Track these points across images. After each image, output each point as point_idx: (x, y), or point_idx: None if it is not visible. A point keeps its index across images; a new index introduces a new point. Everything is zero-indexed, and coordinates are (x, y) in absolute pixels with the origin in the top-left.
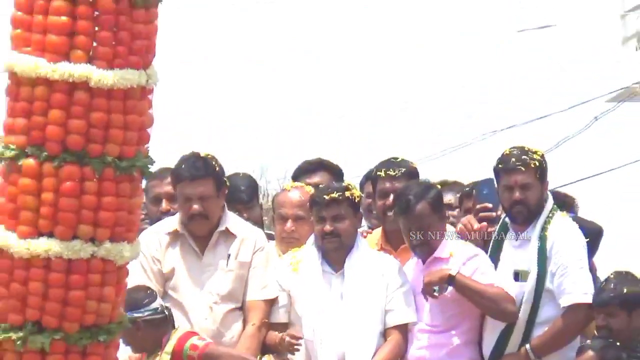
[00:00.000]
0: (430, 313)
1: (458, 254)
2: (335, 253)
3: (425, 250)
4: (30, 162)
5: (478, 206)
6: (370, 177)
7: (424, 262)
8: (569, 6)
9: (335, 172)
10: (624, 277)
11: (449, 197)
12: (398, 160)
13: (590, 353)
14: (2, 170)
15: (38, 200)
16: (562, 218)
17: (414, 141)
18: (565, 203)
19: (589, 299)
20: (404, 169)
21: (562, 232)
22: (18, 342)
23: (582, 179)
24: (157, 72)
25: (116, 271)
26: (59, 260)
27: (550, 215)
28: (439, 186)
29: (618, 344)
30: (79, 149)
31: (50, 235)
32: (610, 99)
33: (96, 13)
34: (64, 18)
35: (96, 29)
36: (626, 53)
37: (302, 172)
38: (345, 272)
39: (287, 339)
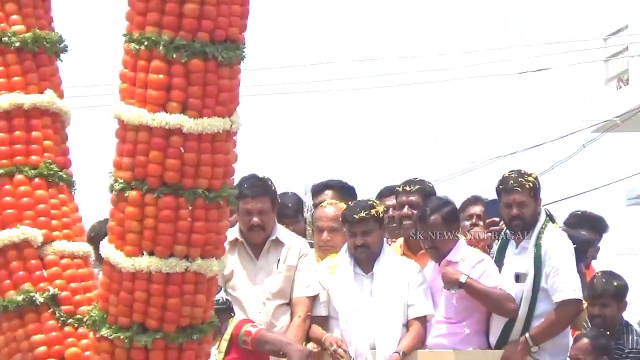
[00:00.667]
0: (445, 307)
1: (468, 259)
2: (365, 258)
3: (435, 254)
4: (134, 193)
5: (487, 220)
6: (393, 192)
7: (438, 263)
8: (562, 52)
9: (342, 189)
10: (610, 274)
11: (477, 209)
12: (416, 179)
13: (585, 340)
14: (112, 199)
15: (141, 225)
16: (553, 229)
17: (437, 163)
18: (596, 223)
19: (578, 295)
20: (419, 186)
21: (554, 240)
22: (126, 341)
23: (571, 196)
24: (240, 117)
25: (207, 282)
26: (158, 274)
27: (544, 226)
28: (454, 203)
29: (608, 333)
30: (175, 183)
31: (151, 253)
32: (595, 130)
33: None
34: (161, 76)
35: (188, 84)
36: (608, 91)
37: (313, 193)
38: (374, 274)
39: (336, 348)
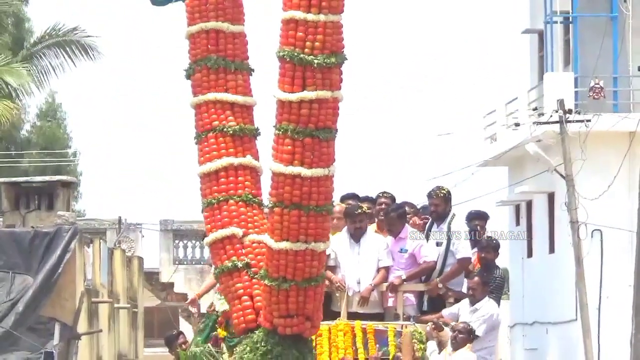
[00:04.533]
0: (397, 263)
1: (411, 236)
2: (356, 234)
3: (392, 232)
4: (277, 209)
5: (422, 216)
6: (368, 199)
7: (394, 238)
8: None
9: (359, 198)
10: (490, 238)
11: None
12: (387, 192)
13: (476, 278)
14: (269, 212)
15: (282, 225)
16: (458, 218)
17: None
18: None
19: (469, 255)
20: (389, 195)
21: (458, 225)
22: (276, 286)
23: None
24: (334, 167)
25: (318, 254)
26: (291, 251)
27: (452, 217)
28: (404, 206)
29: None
30: (299, 202)
31: (287, 240)
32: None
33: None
34: (289, 147)
35: (304, 151)
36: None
37: (342, 199)
38: (360, 243)
39: (339, 283)
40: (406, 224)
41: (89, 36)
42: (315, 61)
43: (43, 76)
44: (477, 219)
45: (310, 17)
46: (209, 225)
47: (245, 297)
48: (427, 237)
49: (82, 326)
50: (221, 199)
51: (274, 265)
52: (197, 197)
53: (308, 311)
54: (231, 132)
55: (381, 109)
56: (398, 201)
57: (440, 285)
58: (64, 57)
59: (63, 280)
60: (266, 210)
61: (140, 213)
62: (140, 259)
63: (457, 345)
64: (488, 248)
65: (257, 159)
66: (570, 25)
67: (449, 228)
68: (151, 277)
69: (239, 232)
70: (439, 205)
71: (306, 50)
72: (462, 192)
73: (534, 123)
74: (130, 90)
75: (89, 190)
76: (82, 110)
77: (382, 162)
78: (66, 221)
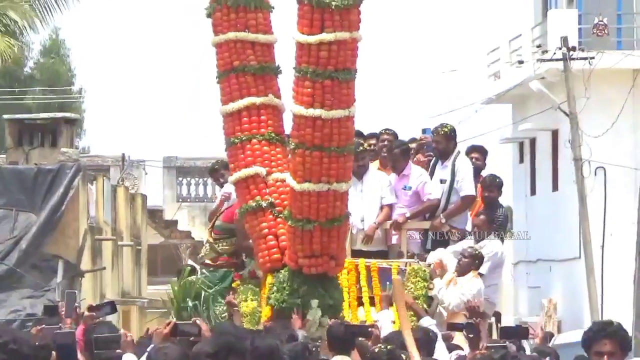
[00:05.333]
0: (401, 200)
1: (414, 172)
2: (359, 172)
3: (396, 169)
4: (299, 150)
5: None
6: (374, 135)
7: (398, 175)
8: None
9: (362, 135)
10: (493, 175)
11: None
12: (390, 129)
13: (482, 216)
14: (290, 152)
15: (304, 167)
16: (462, 156)
17: None
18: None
19: (473, 192)
20: (392, 131)
21: (461, 162)
22: (300, 226)
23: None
24: (355, 108)
25: (340, 195)
26: (314, 192)
27: (456, 155)
28: (410, 144)
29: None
30: (320, 144)
31: (309, 181)
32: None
33: None
34: (309, 89)
35: (324, 93)
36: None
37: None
38: (363, 181)
39: None
40: (409, 161)
41: None
42: (334, 3)
43: (46, 12)
44: (475, 152)
45: None
46: (232, 165)
47: (270, 237)
48: (432, 175)
49: (85, 263)
50: (244, 138)
51: (297, 207)
52: (200, 133)
53: (332, 250)
54: (252, 71)
55: (385, 46)
56: (402, 138)
57: (443, 221)
58: None
59: (66, 217)
60: (289, 148)
61: (143, 150)
62: (144, 197)
63: (461, 270)
64: (491, 187)
65: (278, 97)
66: None
67: (453, 165)
68: (155, 215)
69: (262, 171)
70: (440, 143)
71: None
72: (466, 129)
73: (537, 60)
74: (133, 26)
75: (92, 127)
76: (85, 46)
77: (385, 100)
78: (69, 158)
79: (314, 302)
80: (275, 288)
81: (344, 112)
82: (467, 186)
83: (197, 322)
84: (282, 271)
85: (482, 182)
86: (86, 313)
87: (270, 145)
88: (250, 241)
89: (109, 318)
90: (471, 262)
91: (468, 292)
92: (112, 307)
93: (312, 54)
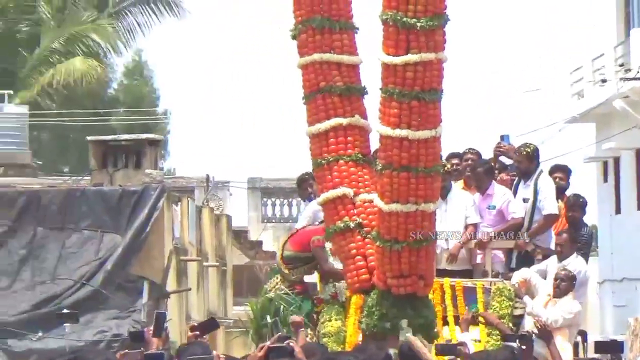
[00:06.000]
0: (486, 220)
1: (498, 192)
2: (442, 192)
3: (479, 188)
4: (386, 171)
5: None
6: (457, 155)
7: (482, 195)
8: None
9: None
10: (577, 195)
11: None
12: (474, 149)
13: (565, 235)
14: (378, 175)
15: (391, 187)
16: (544, 176)
17: None
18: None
19: (555, 211)
20: (475, 151)
21: (544, 182)
22: (388, 246)
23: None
24: (441, 128)
25: (429, 215)
26: (402, 213)
27: (539, 173)
28: (491, 162)
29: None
30: (407, 165)
31: (397, 202)
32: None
33: None
34: (396, 110)
35: (411, 114)
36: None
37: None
38: (447, 200)
39: None
40: (493, 181)
41: None
42: (419, 24)
43: (129, 34)
44: (558, 171)
45: None
46: (320, 186)
47: (359, 257)
48: (515, 194)
49: (171, 284)
50: (331, 159)
51: (385, 227)
52: (285, 155)
53: (421, 270)
54: (338, 91)
55: (467, 66)
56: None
57: (527, 240)
58: (150, 14)
59: (151, 238)
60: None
61: (228, 171)
62: (229, 217)
63: (560, 293)
64: (574, 206)
65: (365, 117)
66: None
67: (535, 185)
68: (239, 236)
69: (350, 192)
70: (522, 163)
71: (409, 13)
72: (550, 148)
73: (620, 79)
74: (216, 47)
75: (177, 149)
76: (169, 68)
77: (469, 119)
78: (154, 179)
79: (404, 322)
80: (365, 312)
81: (431, 132)
82: (549, 205)
83: (291, 344)
84: (372, 294)
85: (566, 201)
86: (189, 333)
87: (357, 166)
88: (331, 265)
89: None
90: (569, 285)
91: (570, 309)
92: (214, 323)
93: (398, 75)
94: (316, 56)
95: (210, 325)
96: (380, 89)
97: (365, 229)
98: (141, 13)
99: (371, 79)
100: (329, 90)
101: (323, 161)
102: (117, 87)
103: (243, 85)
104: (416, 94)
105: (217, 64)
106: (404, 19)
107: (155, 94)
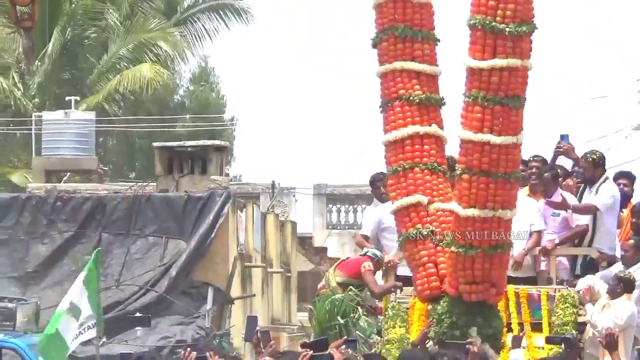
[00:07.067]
0: (551, 226)
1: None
2: None
3: (545, 194)
4: (465, 176)
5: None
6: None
7: (546, 202)
8: None
9: None
10: None
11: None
12: (538, 155)
13: (631, 241)
14: (457, 180)
15: (469, 192)
16: (609, 182)
17: None
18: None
19: (596, 204)
20: (541, 158)
21: (606, 186)
22: (462, 252)
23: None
24: (522, 135)
25: (505, 222)
26: (479, 218)
27: (603, 180)
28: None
29: None
30: (487, 170)
31: (474, 207)
32: None
33: None
34: (479, 115)
35: (493, 119)
36: None
37: None
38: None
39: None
40: (559, 187)
41: None
42: (507, 29)
43: (196, 40)
44: (623, 177)
45: None
46: (394, 193)
47: (430, 265)
48: (580, 200)
49: (235, 290)
50: (407, 166)
51: (460, 232)
52: (350, 161)
53: (493, 278)
54: (417, 100)
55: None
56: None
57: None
58: (218, 20)
59: (216, 244)
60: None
61: (293, 177)
62: (294, 224)
63: (612, 293)
64: (637, 213)
65: (442, 128)
66: None
67: (597, 191)
68: (304, 242)
69: (424, 199)
70: (587, 170)
71: (497, 18)
72: (616, 155)
73: None
74: (282, 54)
75: (243, 155)
76: (235, 74)
77: (535, 126)
78: (219, 186)
79: (473, 330)
80: (434, 321)
81: (512, 138)
82: (597, 199)
83: (332, 352)
84: (441, 302)
85: (631, 209)
86: (302, 352)
87: (432, 174)
88: (381, 287)
89: None
90: (623, 286)
91: (621, 315)
92: (325, 343)
93: (483, 80)
94: (397, 64)
95: (320, 344)
96: (464, 93)
97: (437, 237)
98: (209, 19)
99: (446, 91)
100: (408, 98)
101: (399, 168)
102: (183, 94)
103: (309, 92)
104: (500, 99)
105: (284, 70)
106: (493, 23)
107: (222, 100)
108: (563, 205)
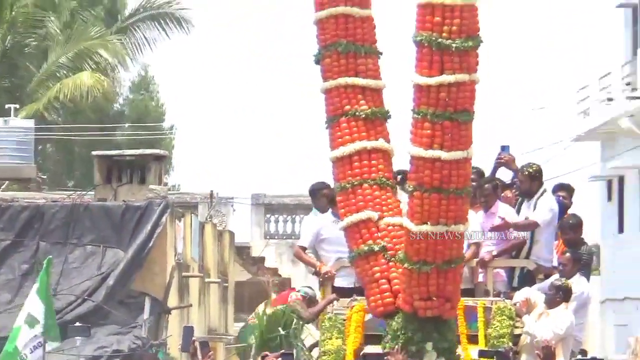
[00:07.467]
0: (489, 240)
1: (502, 211)
2: None
3: (484, 206)
4: (417, 193)
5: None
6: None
7: (485, 213)
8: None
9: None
10: (574, 215)
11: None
12: (475, 167)
13: (567, 254)
14: (409, 196)
15: (422, 209)
16: (548, 194)
17: None
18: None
19: (537, 220)
20: (476, 169)
21: (545, 199)
22: (416, 268)
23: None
24: (473, 150)
25: (459, 235)
26: (432, 234)
27: (541, 193)
28: (497, 180)
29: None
30: (438, 186)
31: (426, 223)
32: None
33: None
34: (428, 131)
35: (443, 134)
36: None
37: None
38: None
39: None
40: (498, 200)
41: (183, 8)
42: (454, 45)
43: (137, 49)
44: (561, 190)
45: (448, 1)
46: (343, 210)
47: (383, 280)
48: (518, 212)
49: (172, 300)
50: (355, 182)
51: (414, 249)
52: (288, 171)
53: (448, 293)
54: (363, 115)
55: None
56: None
57: (512, 231)
58: (158, 29)
59: (154, 254)
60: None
61: (232, 187)
62: (232, 233)
63: (550, 302)
64: (565, 229)
65: (388, 141)
66: None
67: (535, 204)
68: (242, 252)
69: (374, 215)
70: (524, 183)
71: (444, 34)
72: (555, 167)
73: (627, 98)
74: (222, 63)
75: (182, 165)
76: (174, 83)
77: (475, 137)
78: (158, 195)
79: (429, 345)
80: (389, 336)
81: (463, 153)
82: (536, 214)
83: None
84: (396, 318)
85: (559, 225)
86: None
87: (381, 189)
88: (308, 313)
89: None
90: (562, 294)
91: (561, 324)
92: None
93: (432, 96)
94: (341, 80)
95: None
96: (412, 110)
97: (389, 252)
98: (149, 28)
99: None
100: (354, 114)
101: (347, 185)
102: (123, 102)
103: (247, 102)
104: (449, 114)
105: (223, 80)
106: (439, 39)
107: (161, 109)
108: (504, 226)
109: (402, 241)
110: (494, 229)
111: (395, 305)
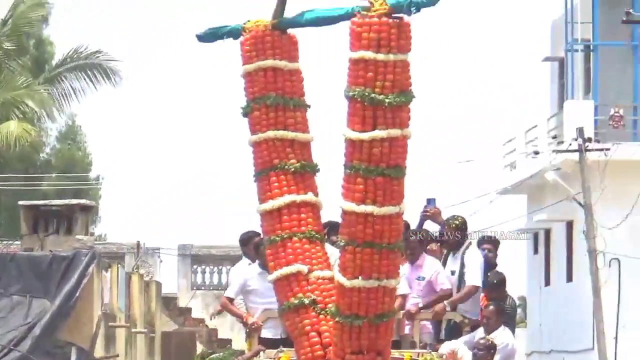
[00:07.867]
0: (415, 290)
1: (428, 263)
2: None
3: (410, 259)
4: (349, 247)
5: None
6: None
7: (412, 265)
8: None
9: None
10: (497, 272)
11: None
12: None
13: (491, 307)
14: (341, 251)
15: (354, 263)
16: (472, 248)
17: None
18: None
19: (476, 283)
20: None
21: (471, 253)
22: (348, 323)
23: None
24: (404, 206)
25: (390, 291)
26: (363, 288)
27: (467, 245)
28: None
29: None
30: (371, 241)
31: (358, 278)
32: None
33: None
34: (361, 186)
35: (376, 189)
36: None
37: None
38: None
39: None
40: (424, 252)
41: (111, 60)
42: (387, 100)
43: (64, 99)
44: (487, 243)
45: (380, 57)
46: (272, 263)
47: (313, 334)
48: (444, 265)
49: (99, 350)
50: (285, 236)
51: (345, 303)
52: (215, 222)
53: (380, 346)
54: (292, 169)
55: None
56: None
57: (448, 309)
58: (86, 80)
59: (80, 304)
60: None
61: (158, 238)
62: (158, 284)
63: None
64: (489, 289)
65: (316, 195)
66: (591, 53)
67: (462, 257)
68: (169, 302)
69: (304, 268)
70: (450, 236)
71: (376, 90)
72: (481, 219)
73: (553, 151)
74: (149, 116)
75: (108, 215)
76: (101, 134)
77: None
78: (84, 245)
79: None
80: None
81: (395, 208)
82: (471, 276)
83: None
84: None
85: (482, 282)
86: None
87: (311, 243)
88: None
89: None
90: (487, 354)
91: None
92: None
93: (365, 151)
94: (270, 133)
95: None
96: (345, 165)
97: (319, 305)
98: (76, 78)
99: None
100: (283, 167)
101: (277, 238)
102: (50, 152)
103: (174, 153)
104: (382, 170)
105: (150, 131)
106: (372, 95)
107: (88, 159)
108: (445, 309)
109: (332, 294)
110: (435, 316)
111: (326, 358)
